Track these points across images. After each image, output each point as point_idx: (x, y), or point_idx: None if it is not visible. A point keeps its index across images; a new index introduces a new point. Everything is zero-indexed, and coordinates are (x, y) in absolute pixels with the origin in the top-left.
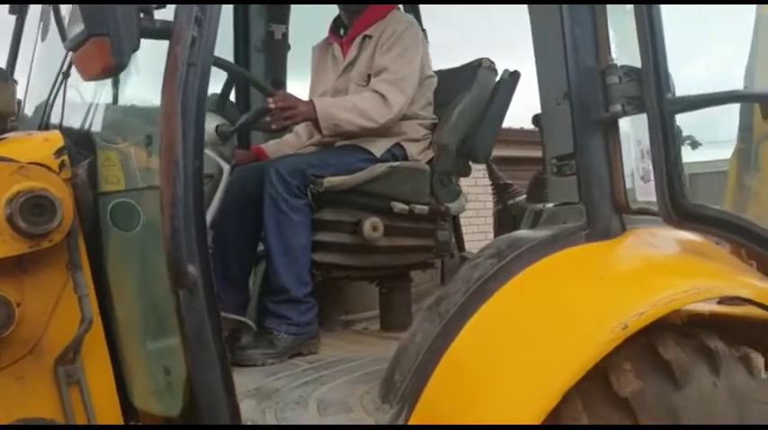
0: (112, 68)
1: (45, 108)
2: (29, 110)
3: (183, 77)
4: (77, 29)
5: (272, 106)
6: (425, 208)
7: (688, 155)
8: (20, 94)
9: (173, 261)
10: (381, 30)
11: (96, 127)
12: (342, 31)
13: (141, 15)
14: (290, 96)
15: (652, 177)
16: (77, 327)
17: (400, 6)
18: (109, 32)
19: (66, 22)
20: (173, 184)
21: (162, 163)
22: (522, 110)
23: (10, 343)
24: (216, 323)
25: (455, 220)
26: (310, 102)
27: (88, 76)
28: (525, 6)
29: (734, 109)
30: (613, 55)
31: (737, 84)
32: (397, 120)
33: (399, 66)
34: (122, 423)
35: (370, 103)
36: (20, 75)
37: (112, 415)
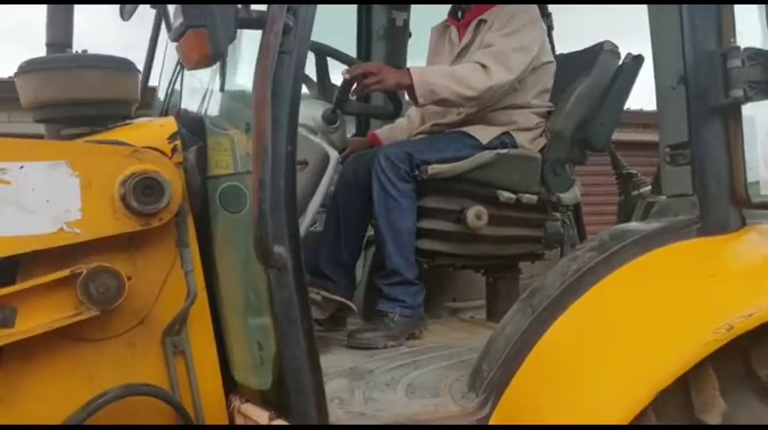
0: (209, 58)
1: (165, 95)
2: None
3: (273, 65)
4: (178, 21)
5: (346, 76)
6: (534, 197)
7: None
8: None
9: (259, 242)
10: (497, 13)
11: (210, 113)
12: (460, 14)
13: (239, 6)
14: (374, 64)
15: None
16: (184, 301)
17: None
18: (206, 23)
19: (171, 14)
20: (261, 169)
21: (253, 148)
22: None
23: (123, 313)
24: (304, 302)
25: (577, 210)
26: (406, 69)
27: (189, 65)
28: None
29: None
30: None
31: None
32: (504, 105)
33: (506, 42)
34: (223, 394)
35: (468, 71)
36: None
37: (214, 385)
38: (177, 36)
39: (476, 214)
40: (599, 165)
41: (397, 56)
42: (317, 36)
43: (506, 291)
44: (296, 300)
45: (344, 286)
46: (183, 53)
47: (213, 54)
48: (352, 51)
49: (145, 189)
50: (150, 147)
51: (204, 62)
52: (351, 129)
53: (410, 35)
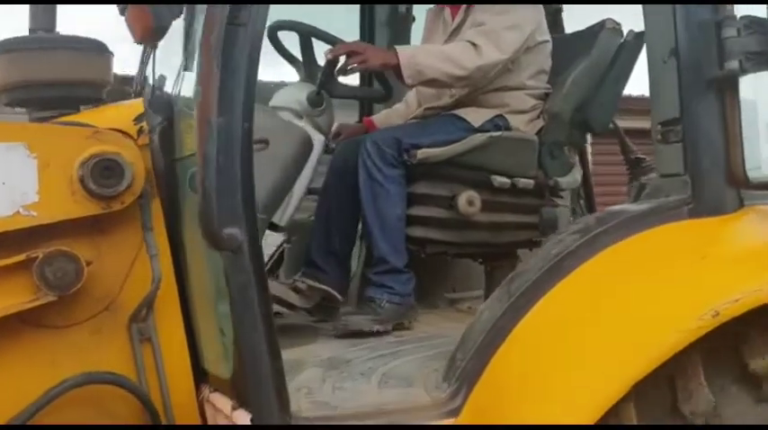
0: (152, 32)
1: (137, 77)
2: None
3: (220, 37)
4: None
5: (329, 56)
6: (531, 182)
7: None
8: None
9: (204, 222)
10: None
11: (184, 95)
12: None
13: None
14: (357, 43)
15: None
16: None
17: None
18: None
19: None
20: (206, 144)
21: (197, 123)
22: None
23: (87, 299)
24: (262, 285)
25: (589, 198)
26: (392, 48)
27: (135, 38)
28: None
29: None
30: None
31: None
32: (496, 87)
33: (497, 21)
34: (192, 381)
35: (458, 50)
36: None
37: (182, 373)
38: (122, 9)
39: (467, 200)
40: (617, 154)
41: (400, 40)
42: (318, 20)
43: None
44: (253, 285)
45: (336, 276)
46: (131, 27)
47: (156, 27)
48: (355, 35)
49: (104, 171)
50: (115, 129)
51: (149, 35)
52: (355, 116)
53: (414, 20)
